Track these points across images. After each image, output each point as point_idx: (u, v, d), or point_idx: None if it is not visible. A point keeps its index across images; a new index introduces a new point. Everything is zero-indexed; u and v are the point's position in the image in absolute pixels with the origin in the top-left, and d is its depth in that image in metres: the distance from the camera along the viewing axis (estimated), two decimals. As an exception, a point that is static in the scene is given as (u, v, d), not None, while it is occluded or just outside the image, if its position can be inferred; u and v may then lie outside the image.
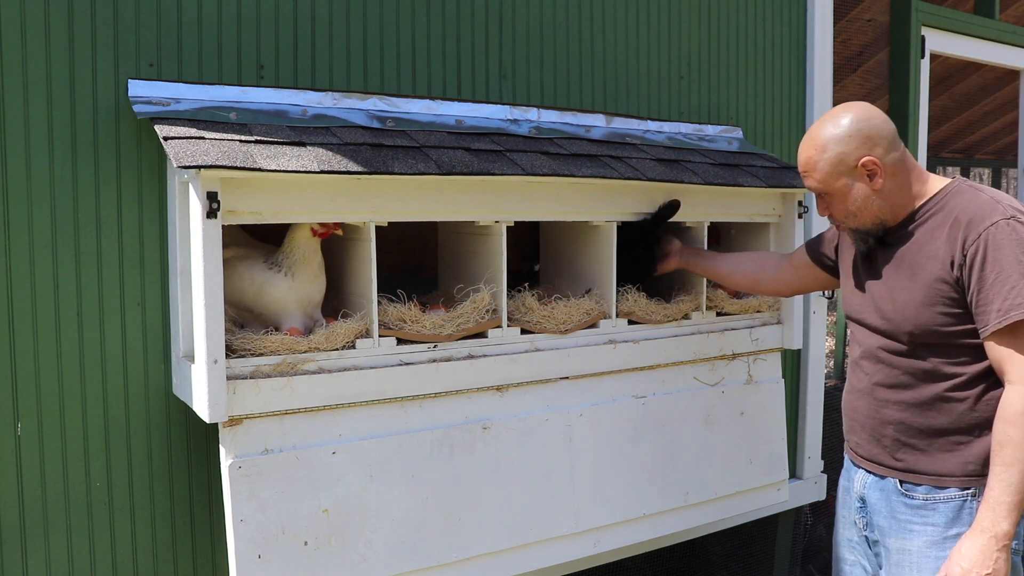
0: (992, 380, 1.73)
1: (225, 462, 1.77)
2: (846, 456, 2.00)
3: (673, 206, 2.31)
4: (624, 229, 2.32)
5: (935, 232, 1.76)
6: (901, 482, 1.81)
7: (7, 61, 1.80)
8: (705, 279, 2.47)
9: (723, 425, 2.51)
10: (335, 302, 2.08)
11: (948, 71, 5.14)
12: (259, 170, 1.70)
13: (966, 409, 1.74)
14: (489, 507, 2.09)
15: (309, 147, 1.84)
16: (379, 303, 1.95)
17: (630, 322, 2.34)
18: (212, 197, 1.69)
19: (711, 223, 2.52)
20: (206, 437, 2.04)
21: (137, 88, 1.88)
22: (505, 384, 2.12)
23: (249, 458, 1.79)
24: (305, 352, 1.86)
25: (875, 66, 3.91)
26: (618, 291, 2.30)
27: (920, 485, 1.78)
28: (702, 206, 2.45)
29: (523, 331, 2.16)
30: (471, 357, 2.06)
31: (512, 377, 2.12)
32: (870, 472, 1.88)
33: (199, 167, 1.63)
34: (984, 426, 1.72)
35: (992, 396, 1.72)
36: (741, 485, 2.58)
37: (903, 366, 1.80)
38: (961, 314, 1.71)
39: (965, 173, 9.92)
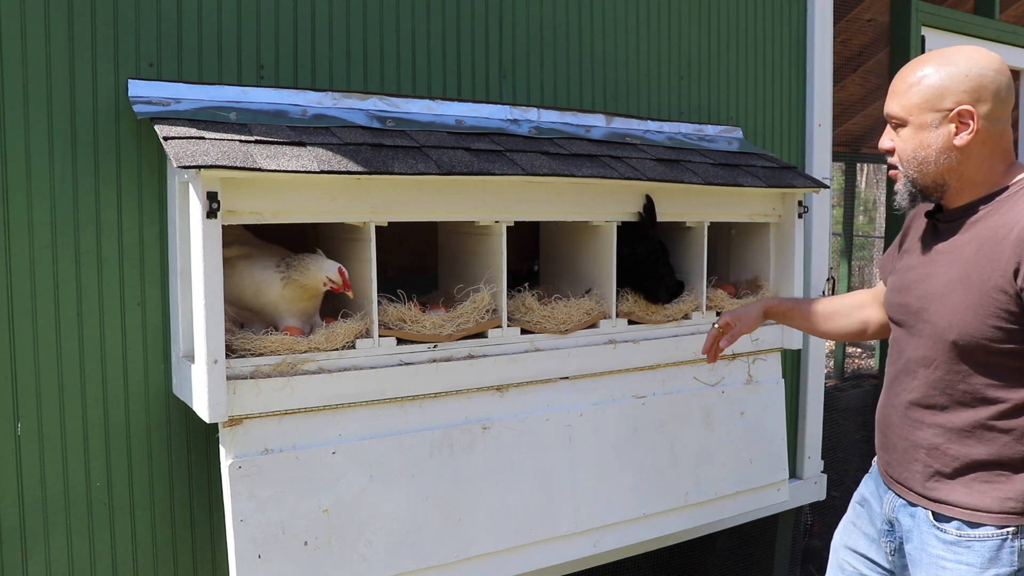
0: None
1: (225, 462, 1.77)
2: (876, 468, 1.81)
3: (650, 205, 2.31)
4: (624, 229, 2.32)
5: (1000, 232, 1.51)
6: (934, 514, 1.61)
7: (7, 61, 1.80)
8: (705, 278, 2.47)
9: (723, 425, 2.51)
10: (335, 302, 2.08)
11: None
12: (259, 170, 1.70)
13: (1011, 441, 1.53)
14: (489, 507, 2.09)
15: (309, 147, 1.84)
16: (379, 303, 1.95)
17: (630, 322, 2.34)
18: (212, 197, 1.69)
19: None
20: (206, 437, 2.04)
21: (137, 88, 1.88)
22: (505, 384, 2.12)
23: (249, 458, 1.79)
24: (305, 352, 1.86)
25: (875, 66, 3.91)
26: (618, 291, 2.31)
27: (952, 520, 1.58)
28: (702, 206, 2.45)
29: (523, 331, 2.16)
30: (471, 357, 2.06)
31: (512, 377, 2.12)
32: (900, 496, 1.69)
33: (199, 167, 1.64)
34: None
35: None
36: (741, 485, 2.58)
37: (941, 385, 1.58)
38: (1017, 331, 1.49)
39: (965, 173, 9.90)
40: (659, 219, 2.34)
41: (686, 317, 2.45)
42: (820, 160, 3.24)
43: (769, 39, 3.09)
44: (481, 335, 2.09)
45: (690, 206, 2.42)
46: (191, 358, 1.85)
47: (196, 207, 1.70)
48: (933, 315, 1.58)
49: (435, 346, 2.02)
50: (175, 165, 1.63)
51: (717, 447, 2.50)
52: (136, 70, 1.92)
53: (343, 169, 1.79)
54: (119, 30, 1.90)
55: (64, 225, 1.87)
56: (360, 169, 1.81)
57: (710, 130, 2.83)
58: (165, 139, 1.72)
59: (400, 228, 2.19)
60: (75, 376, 1.90)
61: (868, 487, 1.82)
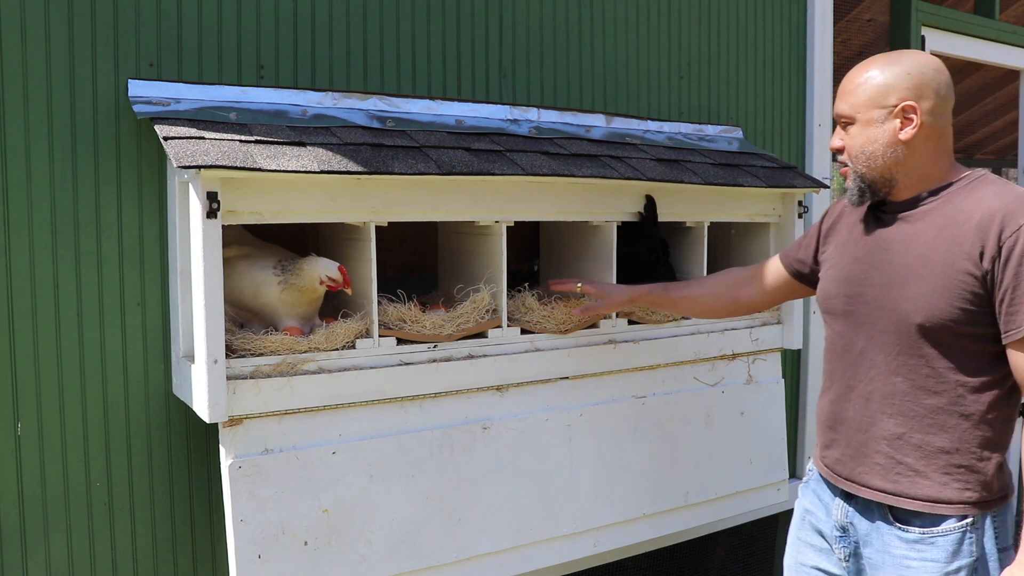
0: (1004, 395, 1.57)
1: (225, 462, 1.77)
2: (816, 473, 1.79)
3: (651, 205, 2.31)
4: (624, 229, 2.32)
5: (958, 218, 1.56)
6: (892, 512, 1.62)
7: (7, 61, 1.80)
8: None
9: (723, 425, 2.51)
10: (335, 302, 2.08)
11: (948, 71, 5.14)
12: (259, 170, 1.70)
13: (970, 427, 1.56)
14: (489, 507, 2.09)
15: (309, 147, 1.84)
16: (379, 303, 1.95)
17: (630, 322, 2.34)
18: (212, 197, 1.69)
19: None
20: (206, 437, 2.04)
21: (137, 88, 1.88)
22: (505, 384, 2.12)
23: (249, 458, 1.79)
24: (305, 352, 1.86)
25: (875, 66, 3.90)
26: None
27: (914, 515, 1.59)
28: (702, 206, 2.45)
29: (523, 331, 2.16)
30: (471, 357, 2.06)
31: (512, 377, 2.12)
32: (853, 495, 1.68)
33: (199, 167, 1.63)
34: (987, 447, 1.56)
35: (1003, 414, 1.57)
36: (741, 485, 2.58)
37: (904, 370, 1.60)
38: (980, 313, 1.53)
39: (965, 173, 9.91)
40: (659, 219, 2.34)
41: (686, 317, 2.45)
42: (820, 160, 3.24)
43: (769, 39, 3.09)
44: (481, 335, 2.09)
45: (690, 206, 2.42)
46: (191, 358, 1.85)
47: (196, 207, 1.70)
48: (895, 300, 1.60)
49: (435, 346, 2.02)
50: (175, 165, 1.63)
51: (717, 447, 2.50)
52: (136, 70, 1.92)
53: (343, 169, 1.79)
54: (119, 30, 1.90)
55: (64, 225, 1.87)
56: (360, 169, 1.81)
57: (710, 130, 2.83)
58: (165, 139, 1.72)
59: (400, 228, 2.19)
60: (75, 376, 1.90)
61: (808, 497, 1.81)
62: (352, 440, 1.91)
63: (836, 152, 1.70)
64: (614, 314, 2.29)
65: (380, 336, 1.95)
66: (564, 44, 2.57)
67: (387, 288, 2.03)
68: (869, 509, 1.65)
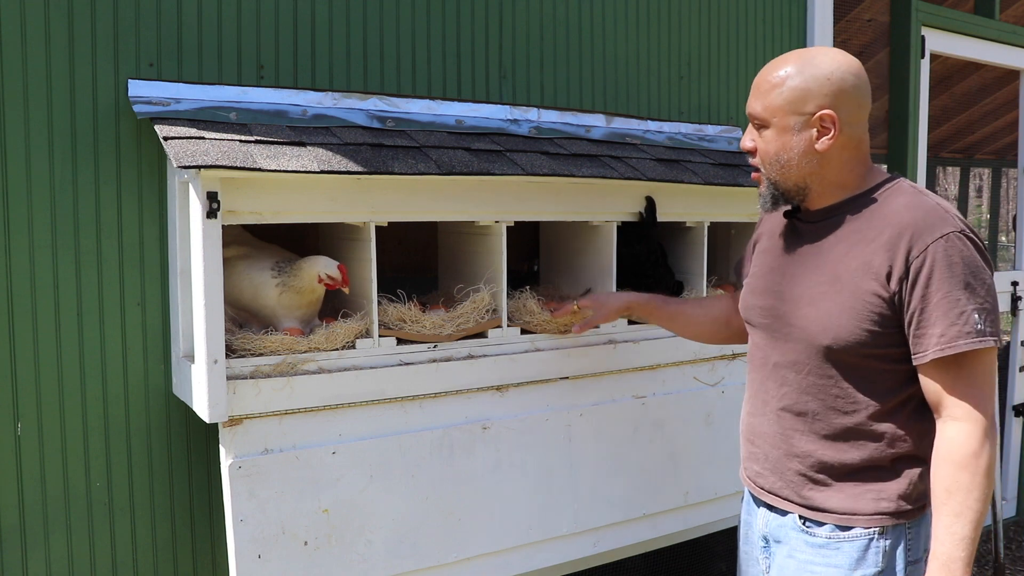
0: (911, 412, 1.51)
1: (225, 462, 1.77)
2: (745, 487, 1.76)
3: (651, 207, 2.31)
4: (624, 229, 2.32)
5: (869, 233, 1.49)
6: (802, 519, 1.58)
7: (7, 61, 1.80)
8: (705, 278, 2.47)
9: (723, 425, 2.51)
10: (335, 302, 2.08)
11: (948, 71, 5.14)
12: (259, 170, 1.70)
13: (882, 445, 1.51)
14: (489, 507, 2.09)
15: (309, 147, 1.84)
16: (379, 303, 1.95)
17: (630, 322, 2.34)
18: (212, 197, 1.69)
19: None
20: (206, 437, 2.04)
21: (137, 88, 1.88)
22: (505, 384, 2.12)
23: (249, 458, 1.79)
24: (305, 352, 1.86)
25: (875, 66, 3.91)
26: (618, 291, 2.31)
27: (824, 524, 1.55)
28: (702, 206, 2.45)
29: (523, 331, 2.16)
30: (471, 357, 2.06)
31: (512, 377, 2.12)
32: (772, 508, 1.65)
33: (199, 167, 1.63)
34: (901, 462, 1.51)
35: (911, 431, 1.51)
36: (741, 485, 2.57)
37: (813, 390, 1.54)
38: (888, 334, 1.47)
39: (965, 173, 9.93)
40: (659, 219, 2.34)
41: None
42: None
43: (769, 39, 3.09)
44: (481, 335, 2.09)
45: (690, 206, 2.42)
46: (191, 358, 1.85)
47: (196, 207, 1.70)
48: (803, 319, 1.54)
49: (435, 346, 2.02)
50: (175, 165, 1.63)
51: (717, 447, 2.50)
52: (136, 70, 1.92)
53: (343, 169, 1.79)
54: (119, 30, 1.90)
55: (64, 225, 1.87)
56: (360, 169, 1.81)
57: (710, 130, 2.83)
58: (165, 139, 1.72)
59: (400, 228, 2.19)
60: (75, 376, 1.90)
61: (744, 511, 1.78)
62: (352, 440, 1.91)
63: (747, 153, 1.62)
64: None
65: (380, 336, 1.95)
66: (564, 44, 2.57)
67: (387, 288, 2.04)
68: (784, 515, 1.62)
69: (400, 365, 1.97)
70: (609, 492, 2.29)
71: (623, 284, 2.34)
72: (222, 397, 1.73)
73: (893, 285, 1.45)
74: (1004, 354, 4.03)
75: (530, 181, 2.09)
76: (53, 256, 1.86)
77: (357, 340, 1.92)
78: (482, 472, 2.08)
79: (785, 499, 1.61)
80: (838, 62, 1.51)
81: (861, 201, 1.54)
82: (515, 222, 2.12)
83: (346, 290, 1.91)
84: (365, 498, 1.91)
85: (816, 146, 1.51)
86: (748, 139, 1.60)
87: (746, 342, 1.85)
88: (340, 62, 2.19)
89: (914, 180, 3.54)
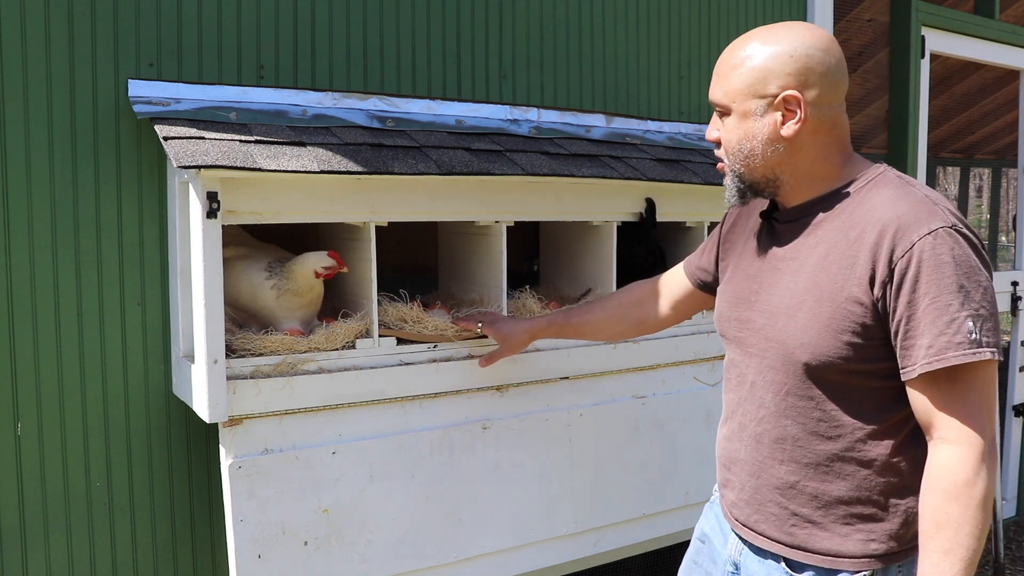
0: (906, 436, 1.34)
1: (225, 462, 1.77)
2: (718, 505, 1.60)
3: (651, 208, 2.31)
4: (624, 230, 2.32)
5: (850, 232, 1.33)
6: (788, 563, 1.41)
7: (7, 61, 1.80)
8: None
9: (723, 425, 2.51)
10: (335, 302, 2.08)
11: (948, 71, 5.14)
12: (259, 170, 1.70)
13: (871, 474, 1.34)
14: (489, 507, 2.09)
15: (309, 147, 1.84)
16: (379, 303, 1.95)
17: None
18: (212, 197, 1.69)
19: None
20: (206, 437, 2.04)
21: (137, 88, 1.88)
22: (505, 384, 2.12)
23: (249, 458, 1.79)
24: (305, 352, 1.86)
25: (875, 66, 3.91)
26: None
27: (807, 565, 1.39)
28: (702, 206, 2.45)
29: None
30: (471, 357, 2.06)
31: (512, 377, 2.12)
32: (748, 542, 1.48)
33: (199, 167, 1.63)
34: (894, 494, 1.35)
35: (906, 457, 1.34)
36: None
37: (793, 413, 1.38)
38: (874, 347, 1.31)
39: (965, 173, 9.93)
40: (659, 219, 2.34)
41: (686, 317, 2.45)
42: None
43: (769, 39, 3.09)
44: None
45: (690, 206, 2.42)
46: (191, 358, 1.85)
47: (196, 207, 1.70)
48: (781, 332, 1.37)
49: (435, 346, 2.02)
50: (175, 165, 1.63)
51: (717, 447, 2.50)
52: (136, 70, 1.92)
53: (343, 169, 1.79)
54: (119, 30, 1.90)
55: (64, 225, 1.87)
56: (360, 169, 1.81)
57: (710, 130, 2.82)
58: (165, 139, 1.72)
59: (400, 228, 2.19)
60: (75, 376, 1.90)
61: (709, 521, 1.63)
62: (352, 440, 1.91)
63: (713, 144, 1.47)
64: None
65: (380, 336, 1.95)
66: (564, 44, 2.57)
67: (387, 288, 2.04)
68: (763, 554, 1.46)
69: (400, 365, 1.97)
70: (609, 492, 2.29)
71: (623, 284, 2.34)
72: (222, 397, 1.73)
73: (877, 291, 1.28)
74: (1004, 354, 4.03)
75: (530, 181, 2.09)
76: (53, 256, 1.86)
77: (357, 340, 1.92)
78: (482, 472, 2.08)
79: (762, 535, 1.45)
80: (802, 37, 1.34)
81: (841, 195, 1.38)
82: (515, 222, 2.12)
83: (345, 270, 1.91)
84: (365, 498, 1.91)
85: (782, 131, 1.35)
86: (713, 129, 1.45)
87: (666, 328, 1.79)
88: (340, 62, 2.19)
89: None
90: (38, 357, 1.87)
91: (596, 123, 2.53)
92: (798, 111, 1.34)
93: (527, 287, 2.27)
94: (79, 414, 1.91)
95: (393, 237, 2.32)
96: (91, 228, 1.90)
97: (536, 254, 2.60)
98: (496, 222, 2.10)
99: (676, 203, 2.38)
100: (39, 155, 1.84)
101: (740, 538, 1.50)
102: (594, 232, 2.31)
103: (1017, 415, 4.10)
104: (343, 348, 1.91)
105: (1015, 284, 4.03)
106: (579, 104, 2.60)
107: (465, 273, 2.23)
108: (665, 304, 1.82)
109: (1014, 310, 4.03)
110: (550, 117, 2.43)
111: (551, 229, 2.52)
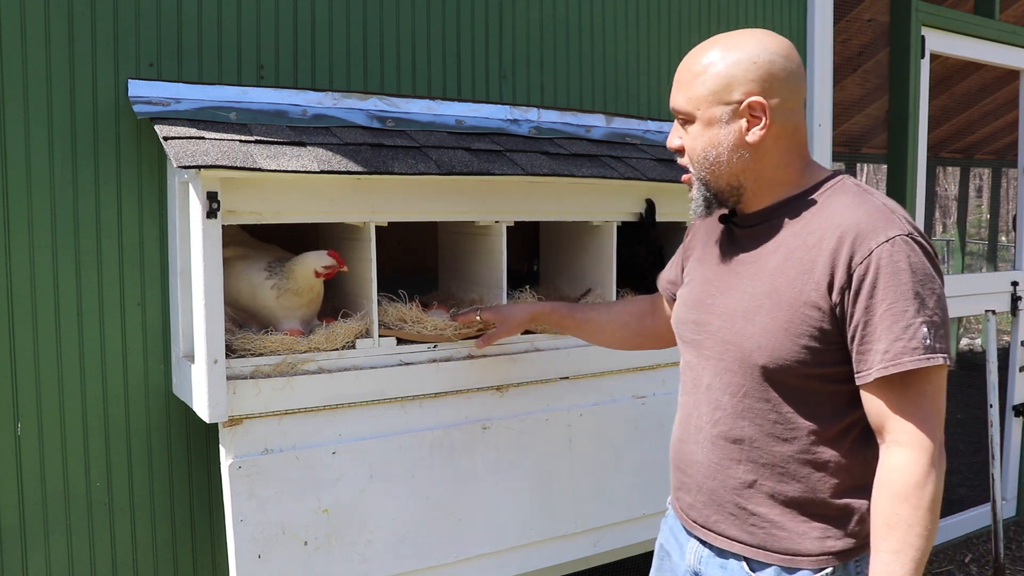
0: (857, 438, 1.37)
1: (225, 462, 1.77)
2: (672, 513, 1.60)
3: (651, 209, 2.31)
4: (624, 230, 2.32)
5: (809, 238, 1.35)
6: (748, 563, 1.43)
7: (7, 61, 1.80)
8: None
9: (723, 425, 2.51)
10: (335, 302, 2.08)
11: (948, 71, 5.14)
12: (259, 170, 1.70)
13: (826, 475, 1.37)
14: (489, 507, 2.09)
15: (309, 147, 1.84)
16: (379, 303, 1.95)
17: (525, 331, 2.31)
18: (212, 197, 1.69)
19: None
20: (206, 437, 2.04)
21: (137, 88, 1.88)
22: (505, 384, 2.12)
23: (249, 458, 1.79)
24: (305, 352, 1.86)
25: (875, 66, 3.91)
26: (617, 292, 2.31)
27: (767, 564, 1.40)
28: (702, 206, 2.44)
29: (523, 331, 2.15)
30: (471, 357, 2.06)
31: (512, 377, 2.12)
32: (707, 543, 1.49)
33: (199, 167, 1.63)
34: (848, 494, 1.37)
35: (858, 458, 1.37)
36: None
37: (750, 415, 1.40)
38: (830, 351, 1.33)
39: (965, 173, 9.93)
40: (659, 219, 2.34)
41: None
42: (820, 160, 3.23)
43: (769, 39, 3.09)
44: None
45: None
46: (191, 358, 1.85)
47: (196, 207, 1.70)
48: (738, 336, 1.39)
49: (435, 346, 2.02)
50: (175, 165, 1.63)
51: (717, 447, 2.50)
52: (136, 70, 1.92)
53: (343, 169, 1.79)
54: (119, 30, 1.90)
55: (64, 225, 1.87)
56: (360, 169, 1.81)
57: (710, 130, 2.82)
58: (165, 139, 1.72)
59: (400, 228, 2.19)
60: (75, 376, 1.90)
61: (664, 535, 1.63)
62: (352, 440, 1.91)
63: (675, 153, 1.48)
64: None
65: (380, 336, 1.95)
66: (564, 44, 2.57)
67: (387, 288, 2.04)
68: (724, 555, 1.47)
69: (400, 365, 1.97)
70: (609, 492, 2.29)
71: (623, 284, 2.34)
72: (222, 397, 1.73)
73: (835, 296, 1.30)
74: (1004, 354, 4.04)
75: (530, 181, 2.09)
76: (53, 256, 1.86)
77: (357, 340, 1.92)
78: (482, 472, 2.08)
79: (722, 535, 1.46)
80: (764, 44, 1.36)
81: (800, 201, 1.40)
82: (515, 222, 2.12)
83: (345, 269, 1.91)
84: (365, 498, 1.92)
85: (747, 138, 1.37)
86: (675, 137, 1.45)
87: (663, 347, 1.79)
88: (340, 62, 2.19)
89: (914, 180, 3.54)
90: (38, 357, 1.87)
91: (596, 123, 2.53)
92: (763, 117, 1.36)
93: (527, 287, 2.27)
94: (79, 414, 1.91)
95: (393, 237, 2.32)
96: (91, 228, 1.90)
97: (536, 254, 2.60)
98: (496, 222, 2.10)
99: (676, 203, 2.38)
100: (39, 155, 1.84)
101: (699, 541, 1.51)
102: (594, 232, 2.31)
103: (1017, 415, 4.10)
104: (343, 348, 1.91)
105: (1015, 284, 4.02)
106: (579, 104, 2.60)
107: (465, 273, 2.23)
108: (661, 318, 1.83)
109: (1014, 310, 4.03)
110: (550, 117, 2.43)
111: (551, 229, 2.52)
